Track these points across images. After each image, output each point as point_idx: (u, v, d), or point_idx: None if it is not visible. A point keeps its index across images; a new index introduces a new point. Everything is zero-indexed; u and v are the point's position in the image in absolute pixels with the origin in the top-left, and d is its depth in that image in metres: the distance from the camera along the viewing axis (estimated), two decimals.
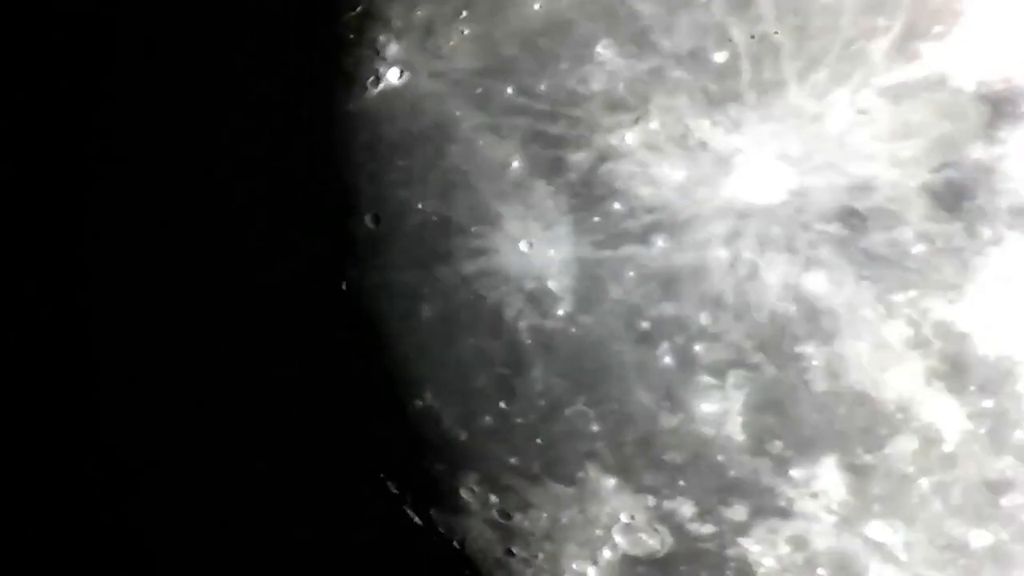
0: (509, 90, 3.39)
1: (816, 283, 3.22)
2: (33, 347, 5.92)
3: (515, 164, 3.33)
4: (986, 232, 3.10)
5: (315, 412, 4.10)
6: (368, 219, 3.47)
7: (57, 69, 5.89)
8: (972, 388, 3.18)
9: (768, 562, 3.41)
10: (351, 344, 3.54)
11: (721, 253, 3.27)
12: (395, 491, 3.68)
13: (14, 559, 6.04)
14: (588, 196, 3.33)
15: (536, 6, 3.37)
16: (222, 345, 5.46)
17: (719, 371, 3.32)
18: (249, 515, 5.84)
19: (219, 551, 5.96)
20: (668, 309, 3.32)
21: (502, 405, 3.46)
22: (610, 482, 3.46)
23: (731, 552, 3.45)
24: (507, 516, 3.54)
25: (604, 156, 3.28)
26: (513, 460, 3.50)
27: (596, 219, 3.34)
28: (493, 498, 3.55)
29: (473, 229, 3.37)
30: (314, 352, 3.88)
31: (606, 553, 3.53)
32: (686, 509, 3.43)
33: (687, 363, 3.34)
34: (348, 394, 3.62)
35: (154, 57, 5.51)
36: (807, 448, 3.31)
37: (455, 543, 3.66)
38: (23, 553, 6.05)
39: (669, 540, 3.48)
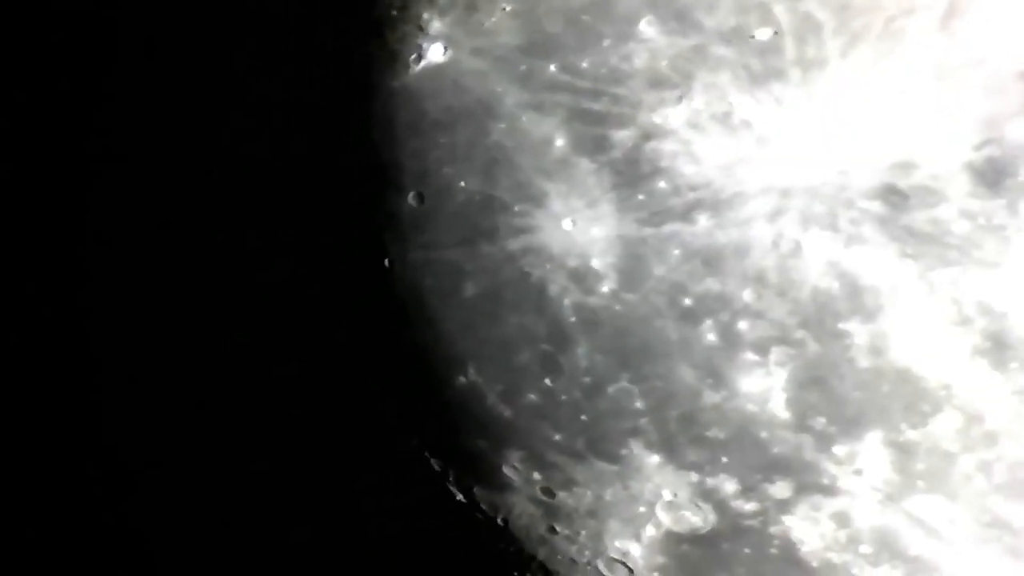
0: (552, 67, 3.61)
1: (858, 260, 3.41)
2: (33, 347, 6.21)
3: (558, 141, 3.56)
4: None
5: (321, 409, 4.40)
6: (412, 196, 3.71)
7: (57, 69, 6.17)
8: (1014, 365, 3.36)
9: (811, 539, 3.62)
10: (395, 321, 3.79)
11: (764, 231, 3.46)
12: (438, 468, 3.89)
13: (14, 559, 6.35)
14: (631, 174, 3.54)
15: None
16: (222, 345, 5.78)
17: (762, 348, 3.52)
18: (249, 514, 6.15)
19: (219, 551, 6.27)
20: (711, 286, 3.53)
21: (546, 382, 3.67)
22: (654, 459, 3.66)
23: (774, 529, 3.65)
24: (551, 493, 3.76)
25: (647, 134, 3.50)
26: (557, 437, 3.71)
27: (640, 197, 3.55)
28: (537, 475, 3.76)
29: (516, 207, 3.59)
30: (348, 336, 4.17)
31: (649, 530, 3.73)
32: (729, 486, 3.64)
33: (730, 340, 3.54)
34: (392, 371, 3.87)
35: (154, 57, 5.80)
36: (850, 425, 3.51)
37: (498, 520, 3.88)
38: (23, 553, 6.35)
39: (712, 517, 3.69)
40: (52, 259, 6.03)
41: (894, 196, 3.39)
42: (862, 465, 3.57)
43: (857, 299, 3.45)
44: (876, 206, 3.43)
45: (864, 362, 3.49)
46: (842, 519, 3.64)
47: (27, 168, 6.01)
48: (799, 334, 3.50)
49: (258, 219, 4.98)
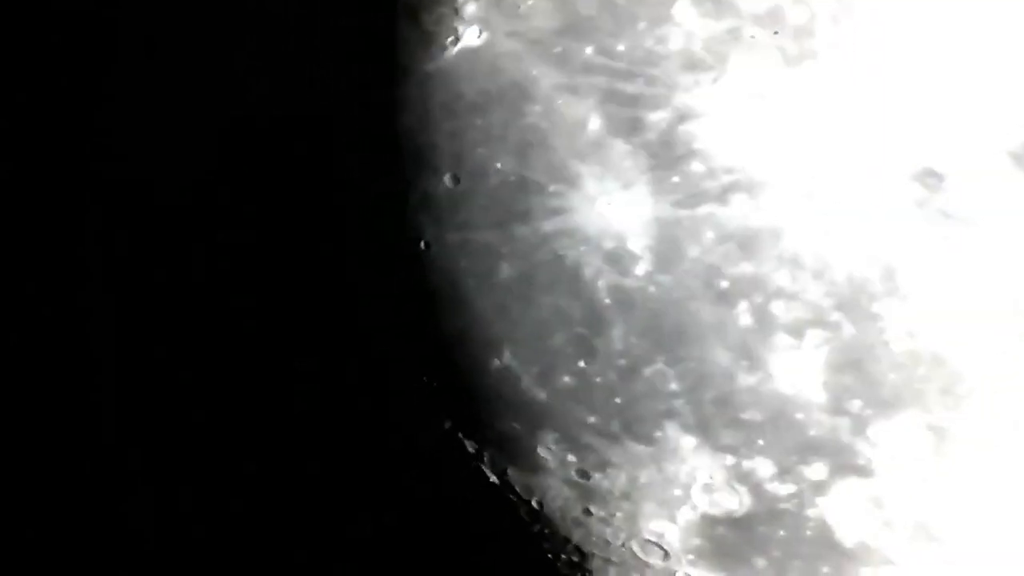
0: (587, 49, 3.77)
1: (894, 242, 3.58)
2: (33, 347, 6.36)
3: (593, 123, 3.72)
4: None
5: (351, 394, 4.55)
6: (447, 178, 3.87)
7: (57, 69, 6.32)
8: None
9: (846, 522, 3.79)
10: (430, 304, 3.96)
11: (799, 212, 3.62)
12: (472, 450, 4.05)
13: (14, 559, 6.48)
14: (666, 156, 3.69)
15: None
16: (222, 345, 5.95)
17: (798, 330, 3.66)
18: (249, 513, 6.30)
19: (219, 551, 6.41)
20: (747, 268, 3.67)
21: (581, 364, 3.82)
22: (689, 441, 3.81)
23: (810, 512, 3.80)
24: (585, 475, 3.91)
25: (683, 116, 3.66)
26: (592, 419, 3.85)
27: (675, 179, 3.70)
28: (571, 457, 3.91)
29: (551, 188, 3.75)
30: (382, 317, 4.32)
31: (684, 512, 3.89)
32: (765, 468, 3.80)
33: (766, 322, 3.68)
34: (426, 354, 4.04)
35: (154, 57, 5.96)
36: (886, 407, 3.67)
37: (533, 502, 4.04)
38: (23, 553, 6.49)
39: (748, 499, 3.84)
40: (52, 259, 6.15)
41: (930, 178, 3.50)
42: (898, 448, 3.65)
43: (892, 281, 3.57)
44: (912, 188, 3.53)
45: (900, 345, 3.61)
46: (878, 502, 3.74)
47: (27, 168, 6.13)
48: (835, 316, 3.62)
49: (258, 218, 5.12)
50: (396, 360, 4.02)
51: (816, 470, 3.70)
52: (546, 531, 3.96)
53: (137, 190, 6.25)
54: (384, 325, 3.99)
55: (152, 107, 6.18)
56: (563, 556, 3.97)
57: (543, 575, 4.07)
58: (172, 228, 6.25)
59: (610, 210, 3.63)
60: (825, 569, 3.74)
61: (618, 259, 3.66)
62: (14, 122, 6.24)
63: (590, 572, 3.96)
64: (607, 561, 3.91)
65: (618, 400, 3.74)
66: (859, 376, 3.62)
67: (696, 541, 3.79)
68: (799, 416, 3.70)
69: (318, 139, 4.65)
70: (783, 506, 3.77)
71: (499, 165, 3.69)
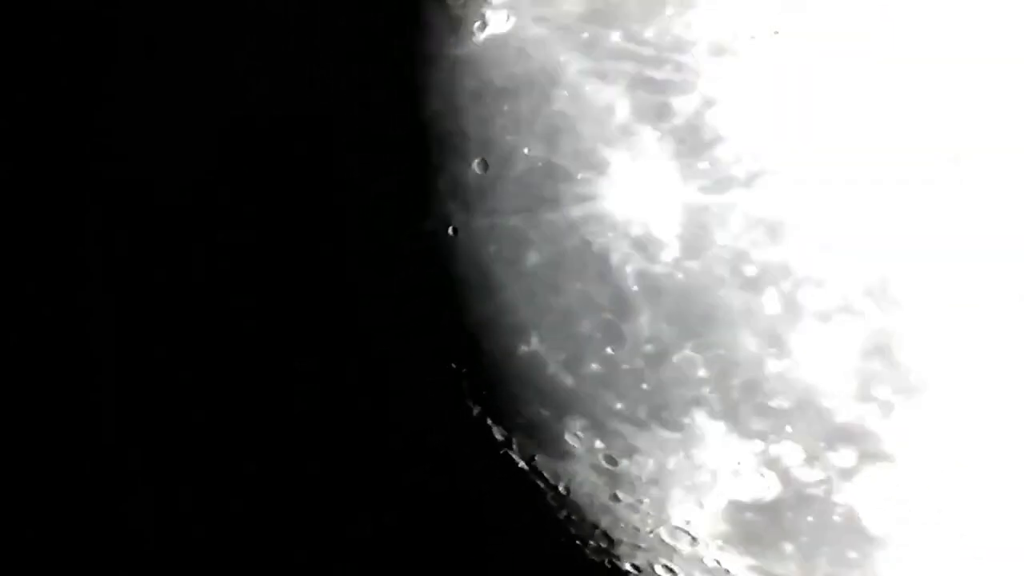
0: (615, 35, 3.75)
1: (922, 227, 3.58)
2: (33, 347, 6.32)
3: (621, 109, 3.71)
4: None
5: (380, 380, 4.52)
6: (476, 164, 3.86)
7: (57, 69, 6.29)
8: None
9: (874, 507, 3.80)
10: (458, 289, 3.94)
11: (827, 198, 3.62)
12: (500, 437, 4.03)
13: (14, 559, 6.44)
14: (694, 141, 3.68)
15: None
16: (222, 345, 5.92)
17: (825, 316, 3.65)
18: (249, 513, 6.27)
19: (219, 551, 6.38)
20: (774, 254, 3.66)
21: (608, 350, 3.81)
22: (717, 427, 3.79)
23: (837, 498, 3.79)
24: (613, 462, 3.89)
25: (710, 101, 3.66)
26: (619, 405, 3.84)
27: (702, 165, 3.69)
28: (599, 443, 3.89)
29: (579, 174, 3.73)
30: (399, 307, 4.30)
31: (712, 499, 3.88)
32: (793, 454, 3.79)
33: (794, 308, 3.68)
34: (455, 340, 4.02)
35: (154, 57, 5.94)
36: (914, 394, 3.66)
37: (561, 488, 4.02)
38: (23, 553, 6.45)
39: (775, 486, 3.83)
40: (52, 259, 6.12)
41: (960, 163, 3.44)
42: (926, 434, 3.62)
43: (919, 267, 3.58)
44: (940, 173, 3.52)
45: (926, 331, 3.54)
46: (906, 487, 3.69)
47: (27, 168, 6.10)
48: (862, 302, 3.60)
49: (257, 217, 5.10)
50: (423, 346, 3.96)
51: (844, 456, 3.70)
52: (574, 517, 3.95)
53: (137, 190, 6.22)
54: (412, 311, 3.94)
55: (152, 107, 6.15)
56: (591, 542, 3.95)
57: (571, 561, 4.02)
58: (172, 228, 6.21)
59: (638, 196, 3.53)
60: (852, 555, 3.73)
61: (646, 245, 3.65)
62: (14, 122, 6.20)
63: (618, 558, 3.93)
64: (635, 547, 3.90)
65: (646, 386, 3.73)
66: (887, 362, 3.54)
67: (724, 527, 3.77)
68: (827, 403, 3.68)
69: (318, 139, 4.62)
70: (811, 492, 3.76)
71: (527, 151, 3.67)
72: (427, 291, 3.88)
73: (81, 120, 6.10)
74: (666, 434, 3.76)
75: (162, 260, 6.07)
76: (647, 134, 3.65)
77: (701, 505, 3.76)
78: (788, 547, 3.75)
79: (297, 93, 4.86)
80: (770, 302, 3.69)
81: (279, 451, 6.10)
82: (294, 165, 4.93)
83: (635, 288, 3.71)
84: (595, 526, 3.90)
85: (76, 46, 6.15)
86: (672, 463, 3.73)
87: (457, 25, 3.80)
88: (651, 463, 3.75)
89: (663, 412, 3.74)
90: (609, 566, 3.93)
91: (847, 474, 3.74)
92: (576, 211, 3.68)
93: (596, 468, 3.81)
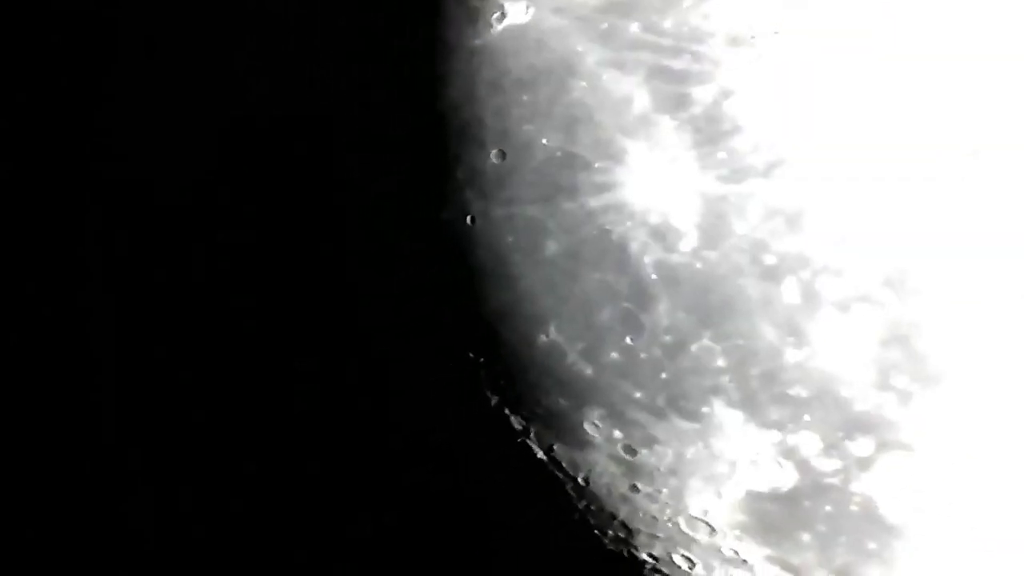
0: (633, 26, 3.74)
1: (939, 218, 3.58)
2: (33, 347, 6.30)
3: (639, 99, 3.70)
4: None
5: (398, 367, 4.51)
6: (494, 154, 3.85)
7: (57, 69, 6.28)
8: None
9: (892, 497, 3.79)
10: (476, 279, 3.92)
11: (846, 188, 3.61)
12: (519, 427, 4.02)
13: (14, 559, 6.41)
14: (712, 131, 3.67)
15: None
16: (222, 345, 5.90)
17: (844, 306, 3.64)
18: (249, 513, 6.25)
19: (219, 551, 6.36)
20: (793, 244, 3.65)
21: (627, 340, 3.79)
22: (735, 417, 3.78)
23: (855, 487, 3.78)
24: (632, 451, 3.88)
25: (727, 91, 3.66)
26: (638, 395, 3.82)
27: (720, 154, 3.68)
28: (618, 433, 3.88)
29: (597, 164, 3.72)
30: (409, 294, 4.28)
31: (730, 488, 3.85)
32: (811, 444, 3.77)
33: (812, 298, 3.67)
34: (473, 329, 4.00)
35: (154, 57, 5.93)
36: (932, 383, 3.65)
37: (579, 478, 4.01)
38: (23, 553, 6.42)
39: (793, 475, 3.81)
40: (52, 259, 6.10)
41: (978, 155, 3.45)
42: (944, 424, 3.61)
43: (936, 256, 3.59)
44: (959, 163, 3.52)
45: (944, 321, 3.54)
46: (923, 478, 3.69)
47: (27, 168, 6.08)
48: (881, 292, 3.58)
49: (274, 210, 5.08)
50: (441, 335, 3.94)
51: (862, 446, 3.70)
52: (592, 507, 3.93)
53: (137, 190, 6.20)
54: (430, 300, 3.92)
55: (152, 107, 6.13)
56: (609, 532, 3.94)
57: (589, 551, 4.01)
58: (172, 228, 6.19)
59: (656, 186, 3.52)
60: (871, 544, 3.72)
61: (664, 234, 3.63)
62: (14, 122, 6.18)
63: (636, 548, 3.92)
64: (653, 537, 3.88)
65: (664, 376, 3.71)
66: (905, 352, 3.54)
67: (742, 517, 3.76)
68: (845, 392, 3.68)
69: (318, 139, 4.60)
70: (829, 481, 3.75)
71: (545, 141, 3.66)
72: (444, 281, 3.83)
73: (81, 120, 6.07)
74: (684, 424, 3.74)
75: (162, 260, 6.04)
76: (665, 124, 3.64)
77: (719, 495, 3.74)
78: (806, 536, 3.74)
79: (297, 93, 4.83)
80: (788, 291, 3.68)
81: (279, 451, 6.07)
82: (294, 165, 4.90)
83: (654, 277, 3.70)
84: (613, 516, 3.89)
85: (76, 46, 6.11)
86: (690, 453, 3.71)
87: (476, 16, 3.80)
88: (669, 453, 3.73)
89: (681, 402, 3.72)
90: (627, 556, 3.92)
91: (865, 463, 3.74)
92: (594, 201, 3.66)
93: (614, 458, 3.80)
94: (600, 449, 3.78)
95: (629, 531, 3.86)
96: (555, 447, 3.82)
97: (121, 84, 6.24)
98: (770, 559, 3.79)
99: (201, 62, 5.89)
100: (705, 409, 3.73)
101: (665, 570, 3.85)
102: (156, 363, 6.26)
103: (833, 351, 3.66)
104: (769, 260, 3.64)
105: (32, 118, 6.16)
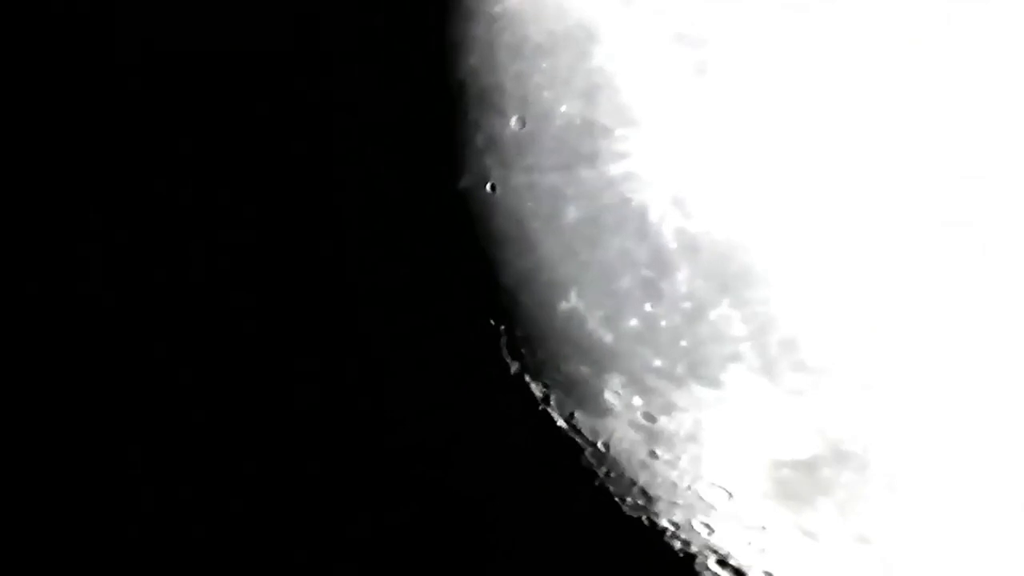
0: None
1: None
2: (33, 347, 6.27)
3: (660, 66, 3.74)
4: None
5: (418, 336, 4.48)
6: (514, 121, 3.85)
7: (57, 69, 6.27)
8: None
9: (911, 464, 3.78)
10: (496, 246, 3.91)
11: (862, 156, 3.62)
12: (539, 394, 4.01)
13: (14, 559, 6.37)
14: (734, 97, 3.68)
15: None
16: (222, 345, 5.88)
17: None
18: (249, 513, 6.22)
19: (219, 551, 6.33)
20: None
21: (647, 307, 3.79)
22: (755, 384, 3.78)
23: (875, 454, 3.79)
24: (651, 418, 3.87)
25: (751, 59, 3.69)
26: (658, 362, 3.82)
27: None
28: (637, 400, 3.87)
29: (617, 131, 3.72)
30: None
31: (750, 455, 3.86)
32: (830, 411, 3.78)
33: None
34: (493, 296, 3.99)
35: (154, 57, 5.92)
36: (949, 347, 3.63)
37: (599, 445, 4.00)
38: (23, 553, 6.37)
39: (813, 442, 3.82)
40: (52, 259, 6.08)
41: None
42: (966, 387, 3.65)
43: (953, 210, 3.58)
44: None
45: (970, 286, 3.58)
46: (943, 442, 3.71)
47: (27, 168, 6.06)
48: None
49: (274, 210, 5.07)
50: (462, 301, 3.92)
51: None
52: (612, 474, 3.90)
53: (137, 190, 6.18)
54: (451, 266, 3.91)
55: (152, 107, 6.12)
56: (628, 499, 3.91)
57: (608, 517, 3.99)
58: (172, 228, 6.18)
59: (676, 153, 3.51)
60: (889, 512, 3.66)
61: (684, 202, 3.57)
62: (14, 122, 6.16)
63: (655, 514, 3.91)
64: (672, 504, 3.87)
65: (684, 343, 3.73)
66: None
67: (761, 483, 3.76)
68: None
69: (318, 138, 4.60)
70: (848, 448, 3.64)
71: (565, 108, 3.66)
72: (465, 247, 3.82)
73: (81, 120, 6.05)
74: (704, 391, 3.75)
75: (162, 260, 6.02)
76: (686, 91, 3.51)
77: (738, 461, 3.71)
78: (826, 503, 3.72)
79: (297, 92, 4.83)
80: (809, 259, 3.55)
81: (279, 451, 6.04)
82: (294, 165, 4.89)
83: (673, 245, 3.71)
84: (633, 482, 3.87)
85: (76, 46, 6.10)
86: (710, 419, 3.67)
87: None
88: (689, 419, 3.73)
89: (701, 368, 3.74)
90: (647, 522, 3.89)
91: (885, 430, 3.54)
92: (614, 168, 3.67)
93: (634, 425, 3.79)
94: (620, 416, 3.78)
95: (648, 498, 3.85)
96: (575, 414, 3.79)
97: (121, 84, 6.22)
98: (789, 525, 3.76)
99: (201, 57, 5.89)
100: (724, 376, 3.73)
101: (684, 536, 3.83)
102: (156, 363, 6.23)
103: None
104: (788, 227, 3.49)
105: (32, 118, 6.14)
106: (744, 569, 3.81)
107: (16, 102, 6.34)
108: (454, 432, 4.41)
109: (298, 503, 6.27)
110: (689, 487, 3.84)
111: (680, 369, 3.76)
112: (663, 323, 3.78)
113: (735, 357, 3.73)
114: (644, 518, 3.93)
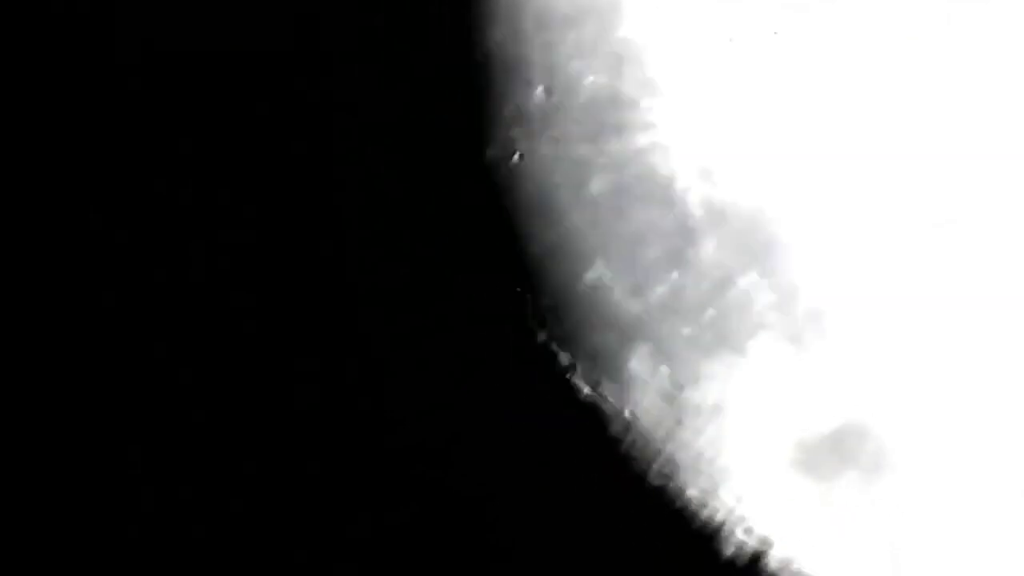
0: None
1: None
2: (33, 347, 6.23)
3: (686, 37, 3.74)
4: None
5: (441, 306, 4.47)
6: (540, 91, 3.86)
7: (57, 69, 6.24)
8: None
9: (935, 436, 3.78)
10: (524, 216, 3.90)
11: (891, 125, 3.64)
12: (566, 363, 4.00)
13: (14, 559, 6.31)
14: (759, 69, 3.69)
15: None
16: (222, 345, 5.85)
17: None
18: (249, 513, 6.18)
19: (219, 551, 6.28)
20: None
21: (674, 276, 3.79)
22: (781, 353, 3.78)
23: (900, 426, 3.78)
24: (679, 387, 3.88)
25: (776, 29, 3.70)
26: (685, 331, 3.82)
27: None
28: (664, 369, 3.86)
29: (643, 102, 3.74)
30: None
31: (776, 425, 3.88)
32: (857, 380, 3.77)
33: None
34: (521, 266, 3.98)
35: (154, 57, 5.90)
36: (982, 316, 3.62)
37: (625, 414, 3.99)
38: (23, 553, 6.32)
39: (838, 412, 3.83)
40: (52, 259, 6.04)
41: None
42: (997, 353, 3.63)
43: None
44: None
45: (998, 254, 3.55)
46: (965, 416, 3.73)
47: (27, 168, 6.03)
48: None
49: (274, 210, 5.05)
50: (488, 270, 3.91)
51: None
52: (638, 443, 3.86)
53: (137, 190, 6.16)
54: (478, 236, 3.90)
55: (152, 107, 6.10)
56: (655, 467, 3.88)
57: (634, 486, 3.97)
58: (172, 228, 6.15)
59: (702, 123, 3.51)
60: (913, 484, 3.65)
61: (710, 172, 3.55)
62: (14, 122, 6.12)
63: (681, 484, 3.87)
64: (698, 472, 3.83)
65: (711, 312, 3.68)
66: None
67: (786, 453, 3.71)
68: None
69: (318, 138, 4.59)
70: (872, 420, 3.65)
71: (592, 79, 3.65)
72: (491, 218, 3.81)
73: (81, 120, 6.01)
74: (730, 360, 3.70)
75: (162, 260, 5.99)
76: (712, 61, 3.51)
77: (764, 431, 3.70)
78: (851, 474, 3.69)
79: (297, 91, 4.82)
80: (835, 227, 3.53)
81: (279, 451, 6.00)
82: (294, 165, 4.88)
83: (700, 214, 3.65)
84: (659, 451, 3.83)
85: (76, 46, 6.07)
86: (736, 389, 3.64)
87: None
88: (716, 389, 3.68)
89: (728, 338, 3.68)
90: (673, 490, 3.86)
91: (909, 401, 3.54)
92: (641, 138, 3.68)
93: (661, 394, 3.74)
94: (646, 385, 3.72)
95: (674, 467, 3.81)
96: (602, 383, 3.76)
97: (121, 83, 6.20)
98: (814, 496, 3.75)
99: (200, 55, 5.88)
100: (751, 345, 3.68)
101: (710, 505, 3.80)
102: (156, 363, 6.18)
103: None
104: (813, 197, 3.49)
105: (32, 118, 6.10)
106: (769, 539, 3.78)
107: (16, 102, 6.29)
108: (454, 432, 4.36)
109: (298, 503, 6.21)
110: (715, 456, 3.81)
111: (707, 338, 3.76)
112: (690, 292, 3.78)
113: (761, 326, 3.75)
114: (671, 486, 3.90)
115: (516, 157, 3.68)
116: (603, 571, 4.39)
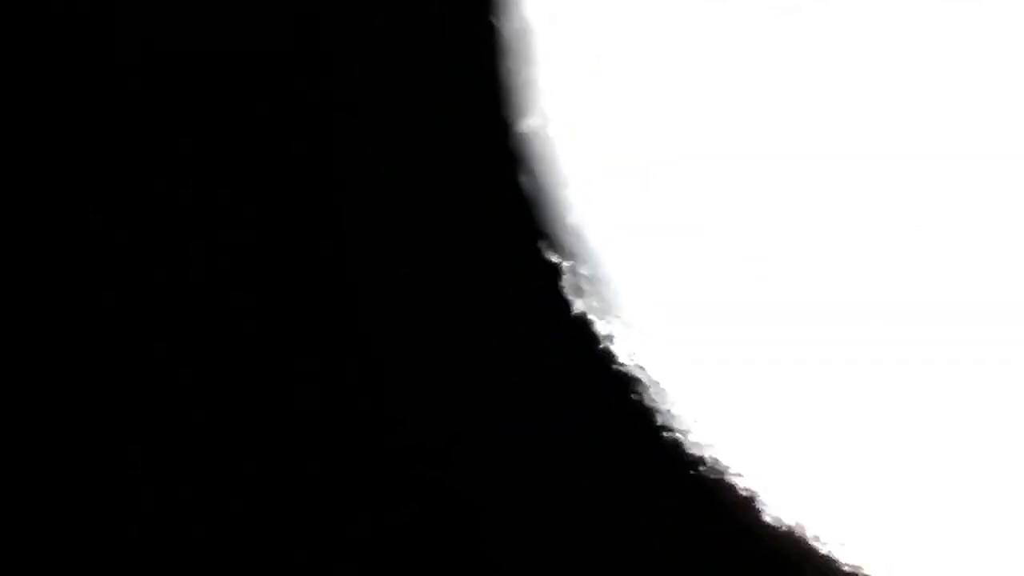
0: None
1: None
2: (33, 347, 6.21)
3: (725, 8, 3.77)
4: None
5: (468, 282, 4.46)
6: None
7: (57, 69, 6.24)
8: None
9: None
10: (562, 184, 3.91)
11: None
12: (603, 332, 4.02)
13: (14, 559, 6.28)
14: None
15: None
16: (222, 345, 5.86)
17: None
18: (249, 513, 6.18)
19: (219, 551, 6.27)
20: None
21: None
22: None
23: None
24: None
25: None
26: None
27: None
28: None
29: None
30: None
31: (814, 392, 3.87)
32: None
33: None
34: (558, 233, 3.99)
35: (154, 57, 5.91)
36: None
37: (661, 384, 4.01)
38: (23, 553, 6.29)
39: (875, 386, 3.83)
40: (52, 259, 6.02)
41: None
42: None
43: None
44: None
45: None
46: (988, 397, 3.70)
47: (27, 168, 6.02)
48: None
49: (273, 210, 5.07)
50: (522, 245, 3.93)
51: None
52: (674, 412, 3.88)
53: (137, 190, 6.16)
54: (507, 213, 3.92)
55: (152, 106, 6.10)
56: (691, 437, 3.90)
57: (671, 456, 3.99)
58: (172, 228, 6.16)
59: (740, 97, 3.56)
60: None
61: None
62: (14, 122, 6.11)
63: (717, 454, 3.90)
64: (735, 441, 3.85)
65: None
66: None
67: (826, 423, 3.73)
68: None
69: (318, 138, 4.61)
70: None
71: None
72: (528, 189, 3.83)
73: (81, 120, 6.01)
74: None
75: (162, 260, 5.98)
76: (751, 42, 3.56)
77: (802, 400, 3.70)
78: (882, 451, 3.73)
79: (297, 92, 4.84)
80: None
81: (279, 451, 5.99)
82: (294, 165, 4.89)
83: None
84: (696, 421, 3.85)
85: (76, 46, 6.07)
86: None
87: None
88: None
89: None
90: (710, 460, 3.88)
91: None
92: None
93: (699, 361, 3.75)
94: (683, 354, 3.74)
95: (711, 436, 3.84)
96: (637, 352, 3.78)
97: (121, 83, 6.21)
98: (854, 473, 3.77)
99: (200, 54, 5.89)
100: None
101: (745, 474, 3.82)
102: (156, 363, 6.17)
103: None
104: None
105: (32, 118, 6.10)
106: (806, 514, 3.80)
107: (16, 102, 6.28)
108: (454, 432, 4.37)
109: (298, 503, 6.20)
110: (753, 425, 3.83)
111: None
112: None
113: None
114: (708, 456, 3.92)
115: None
116: (604, 572, 4.39)
